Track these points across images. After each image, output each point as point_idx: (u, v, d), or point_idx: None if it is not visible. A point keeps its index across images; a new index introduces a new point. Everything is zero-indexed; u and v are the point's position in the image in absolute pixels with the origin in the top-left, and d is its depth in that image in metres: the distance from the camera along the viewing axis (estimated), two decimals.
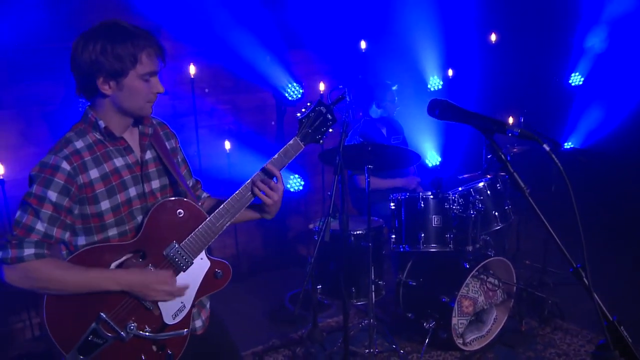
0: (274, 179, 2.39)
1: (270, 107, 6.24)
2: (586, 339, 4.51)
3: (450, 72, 7.07)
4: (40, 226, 2.05)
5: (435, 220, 4.34)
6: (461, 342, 4.38)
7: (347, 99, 3.74)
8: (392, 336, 4.49)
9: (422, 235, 4.32)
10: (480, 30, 7.23)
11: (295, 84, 6.00)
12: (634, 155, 6.55)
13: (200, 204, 2.54)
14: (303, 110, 2.49)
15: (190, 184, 2.59)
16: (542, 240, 5.26)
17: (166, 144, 2.43)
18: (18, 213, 2.07)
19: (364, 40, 6.27)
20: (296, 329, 4.72)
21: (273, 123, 6.28)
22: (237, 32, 5.55)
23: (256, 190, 2.35)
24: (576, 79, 7.27)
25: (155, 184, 2.33)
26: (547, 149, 1.81)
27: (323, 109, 2.48)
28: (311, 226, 4.66)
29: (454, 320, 4.31)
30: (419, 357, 4.32)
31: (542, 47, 7.22)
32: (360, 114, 5.35)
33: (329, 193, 3.73)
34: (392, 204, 4.46)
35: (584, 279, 1.81)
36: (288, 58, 5.99)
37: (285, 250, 6.41)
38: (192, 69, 5.34)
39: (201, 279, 2.33)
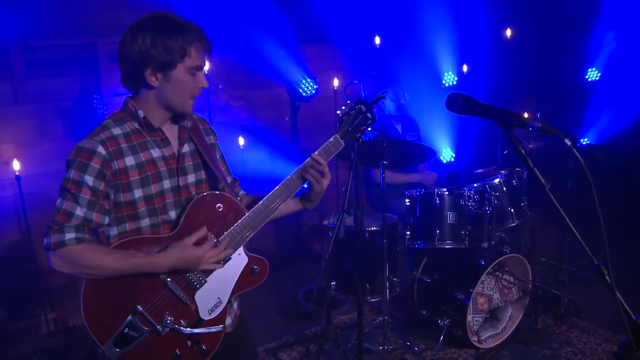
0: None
1: (284, 103, 6.23)
2: (603, 337, 4.47)
3: (465, 68, 7.01)
4: (79, 211, 2.06)
5: (450, 216, 4.31)
6: (476, 339, 4.35)
7: (363, 93, 3.74)
8: (406, 333, 4.48)
9: (437, 231, 4.29)
10: (495, 26, 7.17)
11: (309, 80, 5.98)
12: None
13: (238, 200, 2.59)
14: (343, 107, 2.53)
15: (229, 180, 2.59)
16: (557, 238, 5.20)
17: (205, 138, 2.43)
18: (58, 200, 2.09)
19: (378, 35, 6.24)
20: (310, 325, 4.71)
21: (287, 119, 6.27)
22: (252, 27, 5.53)
23: (308, 176, 2.37)
24: (593, 75, 7.19)
25: (191, 177, 2.32)
26: (569, 144, 1.77)
27: (363, 107, 2.52)
28: (325, 222, 4.65)
29: (469, 318, 4.28)
30: (433, 355, 4.29)
31: (558, 42, 7.15)
32: (375, 110, 5.31)
33: (344, 189, 3.71)
34: (407, 200, 4.43)
35: (607, 276, 1.77)
36: (302, 53, 5.97)
37: (299, 246, 6.40)
38: (206, 65, 5.30)
39: (239, 274, 2.34)
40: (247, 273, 2.36)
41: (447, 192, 4.32)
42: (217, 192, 2.30)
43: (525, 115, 5.69)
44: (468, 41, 7.04)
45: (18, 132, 4.68)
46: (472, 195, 4.37)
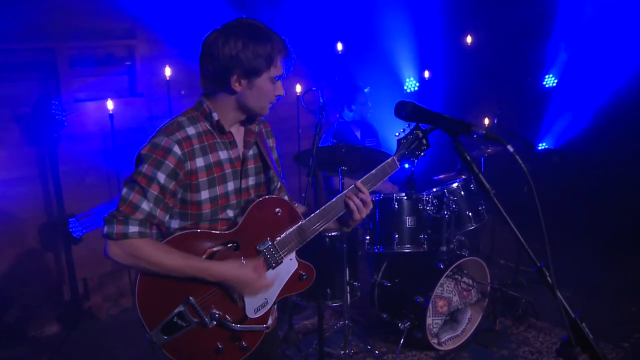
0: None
1: None
2: (559, 337, 4.57)
3: (426, 74, 7.11)
4: (146, 205, 2.10)
5: (409, 221, 4.36)
6: (436, 341, 4.41)
7: (321, 100, 3.77)
8: (367, 337, 4.52)
9: (397, 236, 4.34)
10: (456, 32, 7.29)
11: None
12: (606, 153, 6.64)
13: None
14: (402, 130, 2.58)
15: (279, 185, 2.64)
16: (516, 241, 5.29)
17: (266, 142, 2.49)
18: (125, 190, 2.13)
19: (341, 42, 6.29)
20: None
21: None
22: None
23: (351, 204, 2.41)
24: (550, 81, 7.35)
25: (252, 180, 2.39)
26: (511, 150, 1.85)
27: (420, 133, 2.57)
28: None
29: (429, 320, 4.34)
30: (394, 358, 4.34)
31: (516, 48, 7.29)
32: (337, 115, 5.36)
33: (303, 195, 3.74)
34: None
35: (548, 277, 1.84)
36: None
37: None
38: (167, 71, 5.28)
39: (287, 278, 2.41)
40: (294, 278, 2.42)
41: (405, 197, 4.37)
42: (278, 197, 2.39)
43: (486, 120, 5.80)
44: (429, 48, 7.15)
45: None
46: (430, 200, 4.43)
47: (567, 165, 6.22)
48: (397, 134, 2.61)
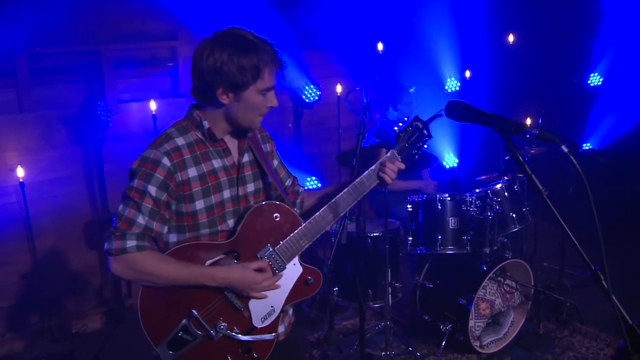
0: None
1: (288, 109, 6.25)
2: (605, 342, 4.47)
3: (467, 74, 7.03)
4: (141, 219, 2.10)
5: (452, 222, 4.33)
6: (478, 344, 4.36)
7: (365, 100, 3.76)
8: (408, 338, 4.48)
9: (439, 237, 4.31)
10: (497, 31, 7.19)
11: (312, 86, 6.00)
12: None
13: (300, 199, 2.63)
14: (400, 124, 2.53)
15: (289, 182, 2.61)
16: (559, 242, 5.20)
17: (262, 147, 2.45)
18: (120, 206, 2.13)
19: (381, 42, 6.26)
20: (313, 331, 4.72)
21: (290, 125, 6.29)
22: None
23: (387, 171, 2.40)
24: (595, 80, 7.21)
25: (250, 187, 2.35)
26: (566, 150, 1.80)
27: (420, 124, 2.52)
28: (328, 228, 4.66)
29: (471, 323, 4.29)
30: None
31: (560, 47, 7.16)
32: (378, 115, 5.34)
33: None
34: (409, 206, 4.45)
35: (603, 282, 1.79)
36: (305, 60, 5.99)
37: (302, 252, 6.40)
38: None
39: (292, 284, 2.35)
40: (300, 283, 2.37)
41: (448, 198, 4.34)
42: (275, 202, 2.32)
43: (528, 120, 5.69)
44: (470, 47, 7.06)
45: (23, 139, 4.70)
46: (473, 201, 4.38)
47: (612, 166, 6.09)
48: (395, 128, 2.54)
